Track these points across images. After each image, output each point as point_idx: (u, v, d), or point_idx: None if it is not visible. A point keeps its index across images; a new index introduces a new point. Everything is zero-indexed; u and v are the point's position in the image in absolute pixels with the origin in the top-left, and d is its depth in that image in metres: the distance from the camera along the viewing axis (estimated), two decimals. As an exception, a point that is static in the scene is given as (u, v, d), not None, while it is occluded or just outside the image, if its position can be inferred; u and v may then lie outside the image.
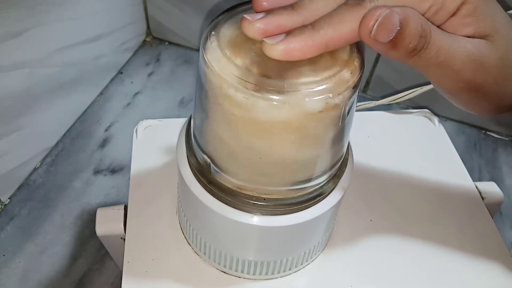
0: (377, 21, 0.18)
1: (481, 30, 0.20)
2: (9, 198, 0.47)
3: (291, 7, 0.19)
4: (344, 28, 0.19)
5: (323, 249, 0.30)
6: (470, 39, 0.20)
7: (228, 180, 0.24)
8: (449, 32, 0.20)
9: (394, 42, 0.18)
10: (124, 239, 0.31)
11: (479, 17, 0.20)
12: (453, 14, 0.20)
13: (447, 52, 0.19)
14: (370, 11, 0.18)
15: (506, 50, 0.21)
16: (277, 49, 0.19)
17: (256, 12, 0.20)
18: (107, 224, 0.32)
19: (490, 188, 0.35)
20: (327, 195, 0.25)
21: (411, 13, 0.18)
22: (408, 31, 0.18)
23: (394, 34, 0.18)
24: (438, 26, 0.20)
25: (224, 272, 0.29)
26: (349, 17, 0.19)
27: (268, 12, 0.19)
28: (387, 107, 0.42)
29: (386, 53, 0.19)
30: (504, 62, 0.21)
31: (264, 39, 0.19)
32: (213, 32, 0.22)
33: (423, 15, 0.19)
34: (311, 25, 0.19)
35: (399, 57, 0.19)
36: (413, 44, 0.18)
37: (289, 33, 0.19)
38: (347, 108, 0.22)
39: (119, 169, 0.51)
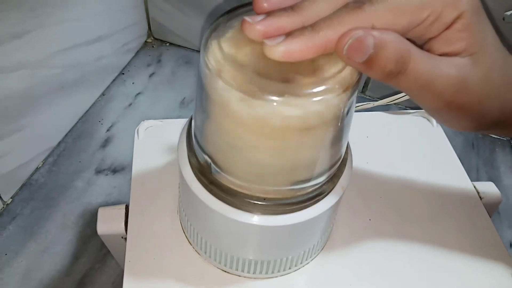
0: (348, 41, 0.18)
1: (471, 46, 0.20)
2: (11, 198, 0.48)
3: (291, 8, 0.20)
4: (344, 29, 0.19)
5: (323, 248, 0.31)
6: (455, 60, 0.20)
7: (229, 180, 0.24)
8: (436, 54, 0.20)
9: (369, 64, 0.19)
10: (125, 239, 0.31)
11: (471, 33, 0.20)
12: (448, 27, 0.20)
13: (427, 78, 0.19)
14: (349, 30, 0.19)
15: (489, 70, 0.21)
16: (277, 51, 0.19)
17: (257, 14, 0.20)
18: (108, 223, 0.32)
19: (488, 188, 0.35)
20: (326, 195, 0.25)
21: (390, 38, 0.18)
22: (383, 55, 0.18)
23: (366, 56, 0.18)
24: (432, 38, 0.21)
25: (225, 271, 0.29)
26: (349, 20, 0.19)
27: (269, 14, 0.20)
28: (385, 108, 0.43)
29: (363, 71, 0.20)
30: (487, 82, 0.21)
31: (264, 40, 0.19)
32: (214, 34, 0.22)
33: (420, 23, 0.19)
34: (311, 27, 0.19)
35: (376, 77, 0.19)
36: (389, 68, 0.19)
37: (289, 34, 0.19)
38: (346, 109, 0.22)
39: (120, 169, 0.51)
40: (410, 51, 0.19)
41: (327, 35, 0.19)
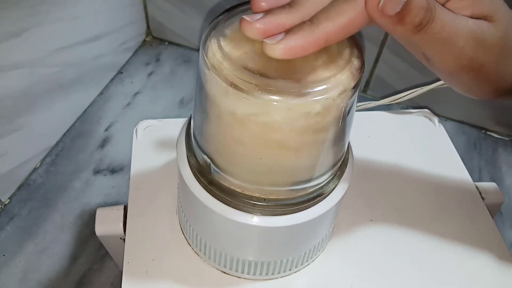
0: None
1: (478, 12, 0.20)
2: (9, 198, 0.47)
3: (288, 5, 0.20)
4: (343, 20, 0.19)
5: (323, 249, 0.30)
6: (472, 19, 0.20)
7: (228, 180, 0.24)
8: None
9: (401, 16, 0.18)
10: (124, 240, 0.31)
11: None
12: None
13: (450, 28, 0.19)
14: None
15: (506, 30, 0.21)
16: (278, 48, 0.19)
17: (255, 13, 0.20)
18: (106, 224, 0.32)
19: (490, 188, 0.35)
20: (327, 195, 0.25)
21: None
22: (414, 4, 0.18)
23: (401, 6, 0.18)
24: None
25: (224, 273, 0.29)
26: (347, 9, 0.19)
27: (267, 12, 0.19)
28: (387, 107, 0.42)
29: (392, 28, 0.19)
30: (505, 42, 0.21)
31: (264, 39, 0.19)
32: (213, 32, 0.22)
33: None
34: (310, 21, 0.19)
35: (405, 32, 0.19)
36: (419, 17, 0.18)
37: (288, 31, 0.19)
38: (347, 108, 0.22)
39: (119, 169, 0.51)
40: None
41: (326, 28, 0.19)
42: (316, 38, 0.19)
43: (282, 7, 0.20)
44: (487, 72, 0.21)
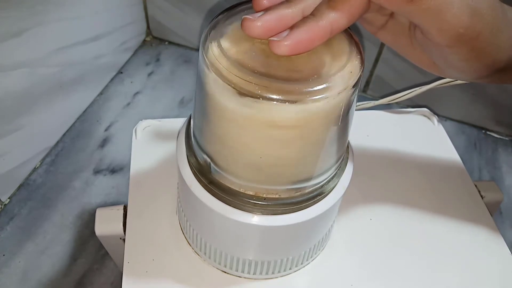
0: None
1: None
2: (9, 198, 0.47)
3: (287, 1, 0.20)
4: (345, 7, 0.19)
5: (323, 249, 0.30)
6: None
7: (229, 179, 0.24)
8: None
9: None
10: (124, 240, 0.31)
11: None
12: None
13: None
14: None
15: (494, 4, 0.21)
16: (284, 45, 0.19)
17: (256, 12, 0.20)
18: (106, 224, 0.32)
19: (490, 187, 0.35)
20: (327, 195, 0.25)
21: None
22: None
23: None
24: None
25: (225, 272, 0.29)
26: None
27: (266, 9, 0.20)
28: (386, 107, 0.42)
29: (387, 1, 0.19)
30: (495, 13, 0.21)
31: (270, 38, 0.19)
32: (213, 32, 0.22)
33: None
34: (312, 14, 0.19)
35: (399, 2, 0.19)
36: None
37: (293, 27, 0.19)
38: (347, 107, 0.22)
39: (119, 169, 0.51)
40: None
41: (330, 17, 0.19)
42: (321, 29, 0.19)
43: (281, 2, 0.20)
44: (483, 42, 0.21)
